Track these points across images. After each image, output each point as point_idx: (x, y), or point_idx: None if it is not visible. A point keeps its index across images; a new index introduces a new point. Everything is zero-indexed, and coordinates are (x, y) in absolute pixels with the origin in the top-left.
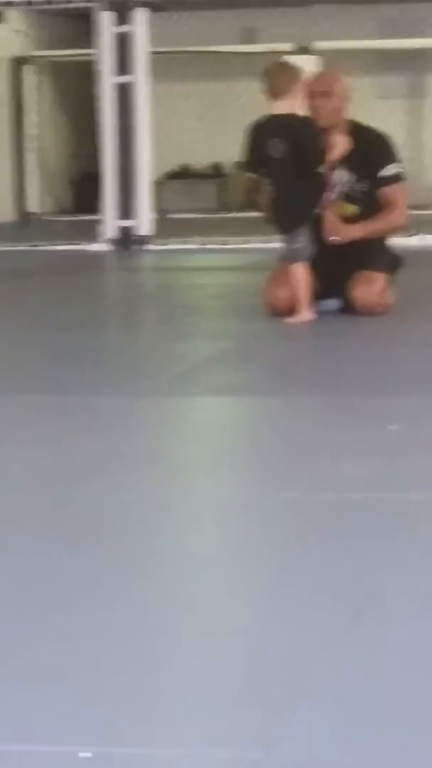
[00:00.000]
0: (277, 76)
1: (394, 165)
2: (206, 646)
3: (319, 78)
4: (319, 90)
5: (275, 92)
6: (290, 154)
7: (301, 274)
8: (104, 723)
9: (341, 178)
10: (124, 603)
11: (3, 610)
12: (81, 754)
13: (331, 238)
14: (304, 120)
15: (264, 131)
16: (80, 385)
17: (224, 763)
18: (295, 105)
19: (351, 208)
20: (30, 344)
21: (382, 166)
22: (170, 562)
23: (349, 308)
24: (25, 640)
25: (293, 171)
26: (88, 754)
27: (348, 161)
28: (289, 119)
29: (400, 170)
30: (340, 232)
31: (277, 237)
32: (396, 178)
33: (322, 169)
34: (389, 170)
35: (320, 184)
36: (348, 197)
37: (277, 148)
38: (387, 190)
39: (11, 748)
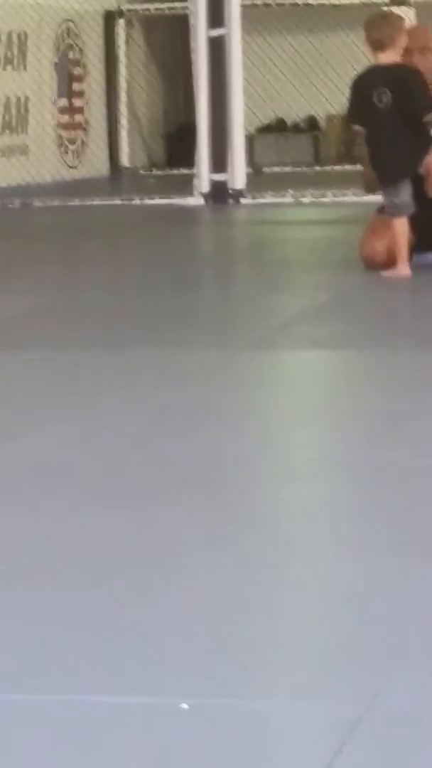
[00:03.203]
0: (381, 27)
1: None
2: (307, 601)
3: (414, 34)
4: (417, 46)
5: (380, 43)
6: (397, 105)
7: (402, 229)
8: (205, 674)
9: None
10: (224, 555)
11: (99, 561)
12: (182, 705)
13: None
14: (411, 70)
15: (370, 82)
16: (178, 340)
17: (323, 718)
18: (399, 56)
19: None
20: (126, 301)
21: None
22: (269, 517)
23: None
24: (126, 591)
25: (399, 122)
26: (186, 706)
27: None
28: (397, 69)
29: None
30: None
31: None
32: None
33: (428, 119)
34: None
35: (426, 136)
36: None
37: (383, 98)
38: None
39: (117, 699)
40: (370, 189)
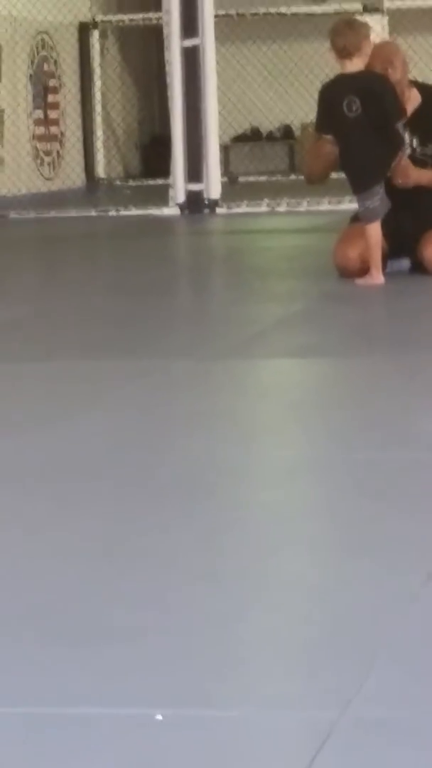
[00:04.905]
0: (346, 35)
1: None
2: (279, 606)
3: (379, 51)
4: (380, 63)
5: (346, 51)
6: (367, 113)
7: (374, 235)
8: (177, 684)
9: (407, 139)
10: (198, 562)
11: (80, 567)
12: (156, 717)
13: (399, 181)
14: (380, 77)
15: (339, 91)
16: (153, 350)
17: (299, 723)
18: (365, 63)
19: None
20: (102, 309)
21: None
22: (246, 522)
23: (419, 268)
24: (98, 598)
25: (370, 129)
26: (160, 717)
27: (412, 122)
28: (365, 77)
29: None
30: (410, 175)
31: (350, 198)
32: None
33: (399, 125)
34: None
35: (397, 141)
36: (415, 161)
37: (353, 106)
38: None
39: (86, 711)
40: (311, 180)
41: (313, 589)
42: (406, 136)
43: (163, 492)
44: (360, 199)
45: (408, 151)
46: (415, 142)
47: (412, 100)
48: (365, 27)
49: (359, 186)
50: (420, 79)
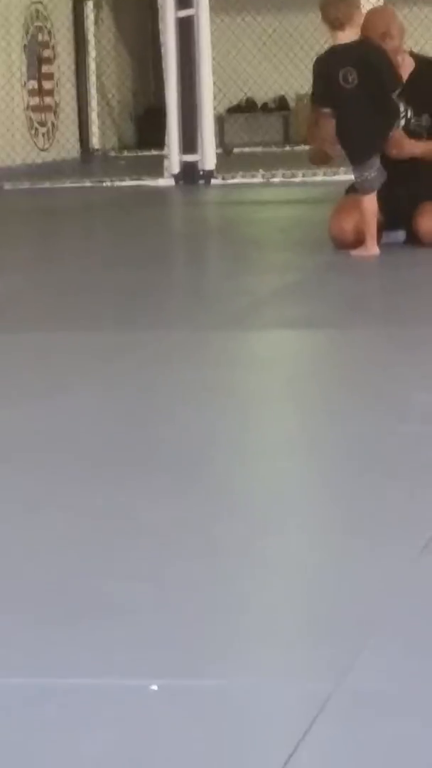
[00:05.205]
0: (337, 6)
1: None
2: (275, 579)
3: (375, 19)
4: (379, 33)
5: (338, 22)
6: (363, 83)
7: (370, 206)
8: (175, 655)
9: (402, 110)
10: (193, 536)
11: (78, 542)
12: (152, 687)
13: (393, 152)
14: (375, 46)
15: (334, 62)
16: (148, 321)
17: (294, 695)
18: (357, 33)
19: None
20: (98, 281)
21: None
22: (242, 496)
23: (415, 239)
24: (99, 572)
25: (366, 100)
26: (155, 687)
27: (407, 93)
28: (360, 47)
29: None
30: (404, 146)
31: (345, 169)
32: None
33: (395, 95)
34: None
35: (393, 111)
36: (409, 131)
37: (349, 77)
38: None
39: (82, 681)
40: (314, 161)
41: (308, 563)
42: (401, 107)
43: (158, 466)
44: (357, 170)
45: (402, 122)
46: (409, 113)
47: (406, 66)
48: None
49: (357, 157)
50: (416, 51)
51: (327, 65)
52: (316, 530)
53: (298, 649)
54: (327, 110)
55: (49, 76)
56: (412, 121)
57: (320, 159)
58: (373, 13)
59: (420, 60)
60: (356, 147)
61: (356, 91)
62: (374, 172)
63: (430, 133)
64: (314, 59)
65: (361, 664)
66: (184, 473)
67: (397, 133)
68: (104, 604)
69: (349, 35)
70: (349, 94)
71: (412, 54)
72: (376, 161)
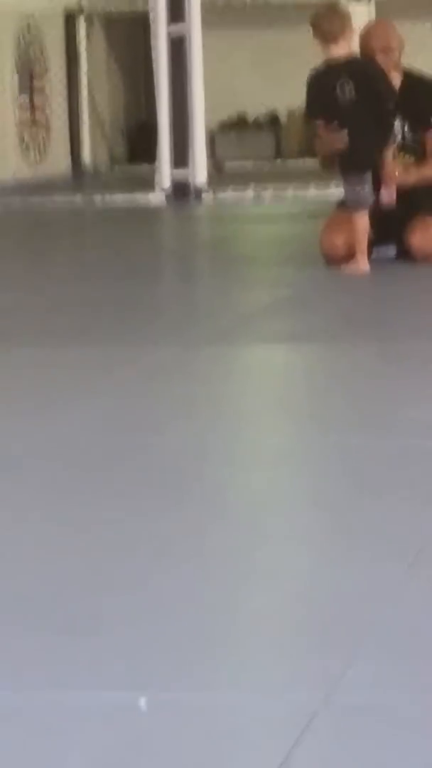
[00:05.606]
0: (331, 19)
1: None
2: (265, 592)
3: (375, 33)
4: (380, 46)
5: (332, 35)
6: (360, 96)
7: (361, 223)
8: (163, 668)
9: (398, 127)
10: (185, 548)
11: (70, 554)
12: (140, 700)
13: (386, 199)
14: (369, 60)
15: (331, 75)
16: (140, 336)
17: (283, 707)
18: (350, 47)
19: (406, 158)
20: (88, 296)
21: None
22: (232, 508)
23: (405, 255)
24: (90, 584)
25: (363, 112)
26: (143, 701)
27: (400, 107)
28: (355, 60)
29: None
30: (397, 180)
31: (336, 184)
32: None
33: (391, 107)
34: None
35: (389, 125)
36: (403, 147)
37: (346, 90)
38: None
39: (73, 693)
40: (328, 168)
41: (298, 575)
42: (397, 124)
43: (149, 478)
44: (350, 183)
45: (399, 138)
46: (405, 128)
47: (394, 80)
48: (346, 12)
49: (351, 170)
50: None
51: (323, 77)
52: (305, 544)
53: (287, 662)
54: (320, 122)
55: (41, 91)
56: (408, 137)
57: (333, 164)
58: (373, 26)
59: (406, 74)
60: (351, 159)
61: (352, 104)
62: (366, 187)
63: (420, 148)
64: (309, 73)
65: (349, 678)
66: (175, 486)
67: (388, 166)
68: (93, 616)
69: (342, 48)
70: (345, 106)
71: (407, 71)
72: (368, 177)
